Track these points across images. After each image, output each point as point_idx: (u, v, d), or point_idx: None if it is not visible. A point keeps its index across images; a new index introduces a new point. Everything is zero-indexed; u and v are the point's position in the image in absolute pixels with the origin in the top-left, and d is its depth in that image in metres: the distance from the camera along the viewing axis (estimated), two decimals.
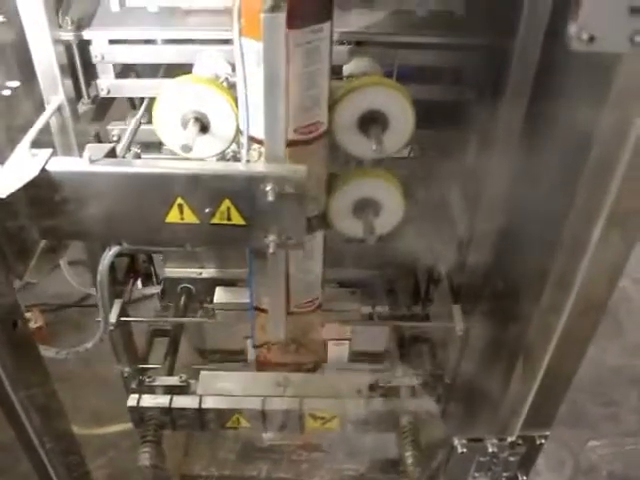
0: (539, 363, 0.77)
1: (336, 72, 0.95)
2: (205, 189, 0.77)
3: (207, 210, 0.79)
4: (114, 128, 1.01)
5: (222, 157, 0.91)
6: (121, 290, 1.14)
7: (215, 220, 0.80)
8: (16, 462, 0.88)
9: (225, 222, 0.80)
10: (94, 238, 0.84)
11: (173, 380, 1.12)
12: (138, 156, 0.93)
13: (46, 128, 0.90)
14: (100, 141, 1.02)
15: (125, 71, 1.03)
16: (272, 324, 0.98)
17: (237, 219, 0.79)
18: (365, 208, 0.92)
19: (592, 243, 0.66)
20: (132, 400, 1.10)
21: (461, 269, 1.05)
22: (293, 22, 0.72)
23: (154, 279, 1.22)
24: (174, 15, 0.94)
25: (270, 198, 0.75)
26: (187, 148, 0.81)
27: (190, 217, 0.79)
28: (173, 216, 0.79)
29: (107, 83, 0.97)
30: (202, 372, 1.12)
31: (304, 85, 0.78)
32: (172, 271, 1.20)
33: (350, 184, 0.91)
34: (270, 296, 0.95)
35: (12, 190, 0.73)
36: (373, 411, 1.07)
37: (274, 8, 0.69)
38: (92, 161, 0.77)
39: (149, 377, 1.11)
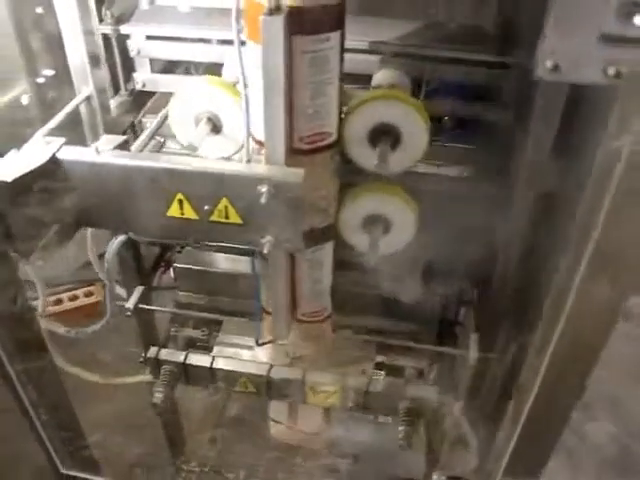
0: (522, 408, 0.72)
1: (366, 81, 0.94)
2: (203, 186, 0.78)
3: (206, 207, 0.80)
4: (148, 120, 1.04)
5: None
6: (148, 278, 1.17)
7: (214, 217, 0.80)
8: (17, 434, 0.92)
9: (223, 220, 0.80)
10: (100, 226, 0.87)
11: (195, 332, 1.18)
12: (160, 146, 0.95)
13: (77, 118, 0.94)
14: (135, 133, 1.06)
15: (170, 66, 1.06)
16: (275, 324, 0.97)
17: (235, 218, 0.80)
18: (374, 224, 0.90)
19: (575, 284, 0.61)
20: (151, 352, 1.13)
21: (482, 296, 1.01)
22: (298, 28, 0.72)
23: None
24: (211, 15, 0.96)
25: (263, 200, 0.74)
26: (192, 147, 0.82)
27: (190, 213, 0.81)
28: (174, 210, 0.81)
29: (143, 77, 1.01)
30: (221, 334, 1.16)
31: (310, 94, 0.77)
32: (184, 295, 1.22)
33: (361, 198, 0.89)
34: (273, 297, 0.95)
35: (18, 175, 0.76)
36: (374, 391, 1.06)
37: (273, 11, 0.68)
38: (99, 152, 0.79)
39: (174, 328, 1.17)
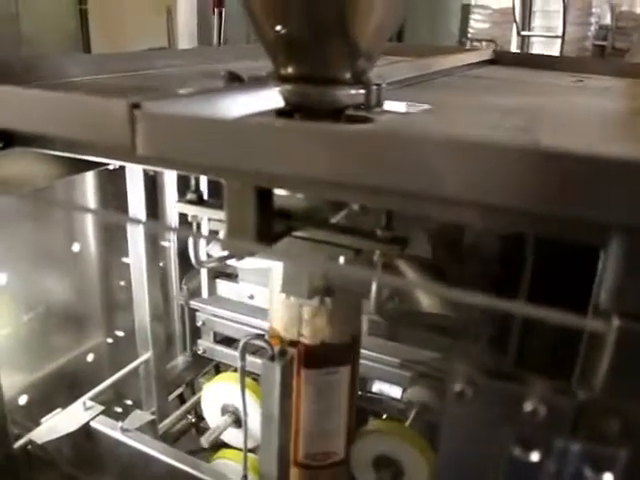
0: None
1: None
2: None
3: None
4: (204, 382, 1.12)
5: None
6: None
7: None
8: None
9: None
10: None
11: None
12: (189, 425, 1.02)
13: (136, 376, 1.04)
14: (193, 391, 1.15)
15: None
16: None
17: None
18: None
19: None
20: None
21: None
22: (304, 362, 0.77)
23: None
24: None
25: None
26: (208, 440, 0.88)
27: None
28: None
29: (205, 345, 1.10)
30: None
31: (315, 419, 0.81)
32: None
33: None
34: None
35: (48, 439, 0.86)
36: None
37: (275, 356, 0.74)
38: (123, 430, 0.87)
39: None
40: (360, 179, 0.35)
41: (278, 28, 0.60)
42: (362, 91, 0.61)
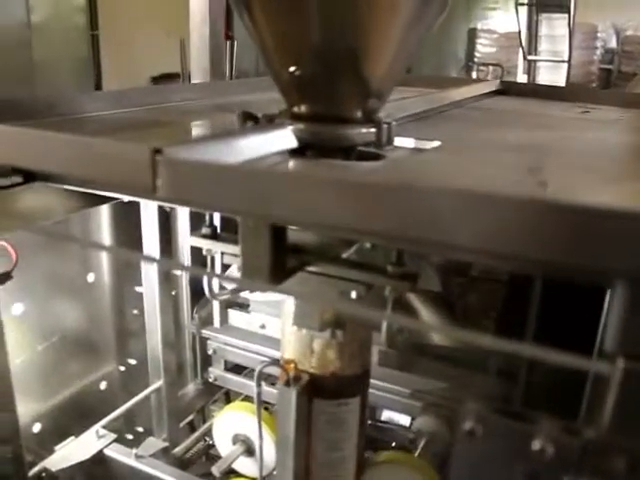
0: None
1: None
2: None
3: None
4: (215, 409, 1.13)
5: None
6: None
7: None
8: None
9: None
10: None
11: None
12: (204, 450, 1.03)
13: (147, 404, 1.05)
14: (204, 418, 1.16)
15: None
16: None
17: None
18: None
19: None
20: None
21: None
22: (316, 392, 0.78)
23: None
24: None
25: None
26: (219, 469, 0.88)
27: None
28: None
29: (216, 373, 1.11)
30: None
31: (325, 448, 0.81)
32: None
33: None
34: None
35: (61, 467, 0.87)
36: None
37: (288, 382, 0.75)
38: (138, 457, 0.88)
39: None
40: (371, 226, 0.37)
41: (292, 69, 0.62)
42: (373, 130, 0.63)
